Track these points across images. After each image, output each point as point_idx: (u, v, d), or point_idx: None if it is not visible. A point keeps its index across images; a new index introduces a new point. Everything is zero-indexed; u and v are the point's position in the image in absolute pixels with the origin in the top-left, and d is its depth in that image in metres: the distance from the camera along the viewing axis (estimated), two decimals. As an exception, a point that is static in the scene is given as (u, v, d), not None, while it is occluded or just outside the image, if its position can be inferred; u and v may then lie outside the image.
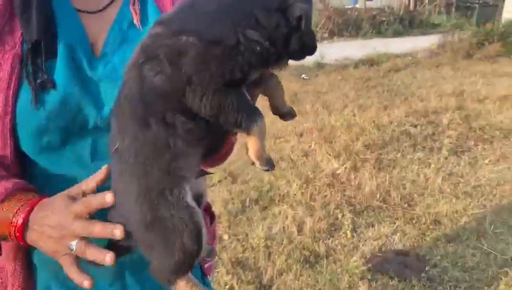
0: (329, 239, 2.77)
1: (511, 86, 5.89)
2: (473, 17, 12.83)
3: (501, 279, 2.35)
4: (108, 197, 0.64)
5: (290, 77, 7.08)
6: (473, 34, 9.06)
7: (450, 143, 4.06)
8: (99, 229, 0.64)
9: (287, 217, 2.96)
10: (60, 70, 0.74)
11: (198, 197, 0.72)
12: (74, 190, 0.68)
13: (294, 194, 3.27)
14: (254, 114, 0.61)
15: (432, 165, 3.66)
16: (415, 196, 3.24)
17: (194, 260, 0.66)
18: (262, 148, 0.63)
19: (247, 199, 3.22)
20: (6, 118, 0.71)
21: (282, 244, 2.68)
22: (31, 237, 0.68)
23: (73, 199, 0.67)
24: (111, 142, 0.67)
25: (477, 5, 13.67)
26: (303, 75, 7.46)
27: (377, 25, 13.10)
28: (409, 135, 4.37)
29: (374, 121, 4.67)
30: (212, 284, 1.07)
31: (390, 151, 4.01)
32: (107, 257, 0.64)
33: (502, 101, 5.22)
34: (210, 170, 0.83)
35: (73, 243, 0.64)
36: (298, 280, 2.40)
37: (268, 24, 0.58)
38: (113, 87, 0.70)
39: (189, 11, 0.62)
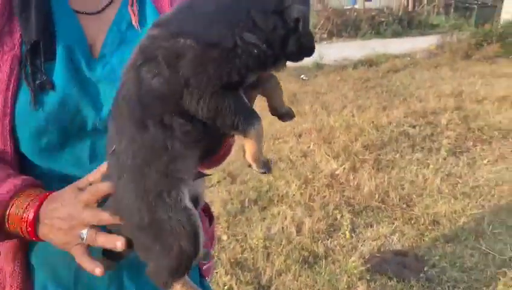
0: (328, 239, 2.77)
1: (509, 86, 5.90)
2: (471, 17, 12.85)
3: (499, 279, 2.35)
4: None
5: (289, 77, 7.09)
6: (471, 34, 9.06)
7: (449, 144, 4.07)
8: (107, 216, 0.66)
9: (285, 218, 2.96)
10: (59, 72, 0.74)
11: (196, 199, 0.72)
12: (82, 181, 0.69)
13: (293, 195, 3.27)
14: (251, 117, 0.61)
15: (431, 166, 3.67)
16: (414, 196, 3.24)
17: (191, 263, 0.66)
18: (260, 151, 0.63)
19: (246, 200, 3.23)
20: (6, 120, 0.72)
21: (281, 244, 2.68)
22: (43, 231, 0.68)
23: (81, 190, 0.68)
24: (108, 143, 0.67)
25: (475, 6, 13.69)
26: (302, 76, 7.47)
27: (376, 25, 13.11)
28: (408, 135, 4.38)
29: (372, 122, 4.68)
30: (211, 285, 1.07)
31: (389, 152, 4.02)
32: (118, 242, 0.65)
33: (500, 101, 5.22)
34: (207, 171, 0.83)
35: (84, 232, 0.66)
36: (297, 281, 2.40)
37: (266, 26, 0.58)
38: (112, 89, 0.70)
39: (187, 13, 0.62)
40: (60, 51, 0.75)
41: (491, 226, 2.83)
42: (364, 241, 2.76)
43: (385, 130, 4.47)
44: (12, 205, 0.68)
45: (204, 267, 0.98)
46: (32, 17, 0.73)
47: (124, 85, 0.64)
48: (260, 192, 3.34)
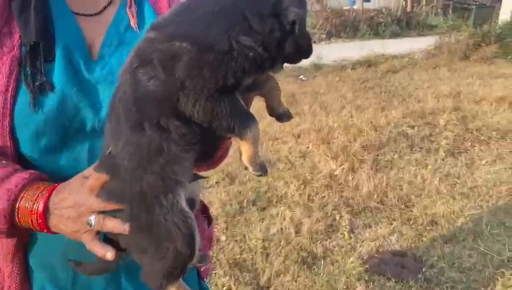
0: (326, 240, 2.78)
1: (507, 87, 5.91)
2: (469, 18, 12.84)
3: (497, 280, 2.36)
4: None
5: (287, 78, 7.09)
6: (469, 35, 9.06)
7: (447, 144, 4.07)
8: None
9: (284, 218, 2.96)
10: (58, 73, 0.74)
11: (191, 201, 0.72)
12: (88, 171, 0.70)
13: (292, 195, 3.27)
14: (247, 120, 0.62)
15: (429, 166, 3.67)
16: (412, 197, 3.25)
17: (186, 265, 0.66)
18: (256, 153, 0.64)
19: (245, 200, 3.22)
20: (5, 121, 0.72)
21: (279, 245, 2.68)
22: (53, 222, 0.69)
23: (87, 178, 0.69)
24: (105, 145, 0.68)
25: (474, 7, 13.70)
26: (301, 76, 7.48)
27: (375, 26, 13.14)
28: (406, 136, 4.38)
29: (371, 122, 4.68)
30: (209, 286, 1.07)
31: (388, 152, 4.02)
32: (126, 226, 0.66)
33: (498, 102, 5.23)
34: (204, 173, 0.83)
35: (92, 218, 0.67)
36: (296, 281, 2.40)
37: (262, 29, 0.58)
38: (111, 90, 0.70)
39: (183, 16, 0.62)
40: (58, 52, 0.75)
41: (489, 227, 2.83)
42: (362, 241, 2.76)
43: (384, 130, 4.47)
44: (22, 198, 0.69)
45: (203, 268, 0.98)
46: (31, 19, 0.73)
47: (120, 87, 0.64)
48: (259, 193, 3.34)
